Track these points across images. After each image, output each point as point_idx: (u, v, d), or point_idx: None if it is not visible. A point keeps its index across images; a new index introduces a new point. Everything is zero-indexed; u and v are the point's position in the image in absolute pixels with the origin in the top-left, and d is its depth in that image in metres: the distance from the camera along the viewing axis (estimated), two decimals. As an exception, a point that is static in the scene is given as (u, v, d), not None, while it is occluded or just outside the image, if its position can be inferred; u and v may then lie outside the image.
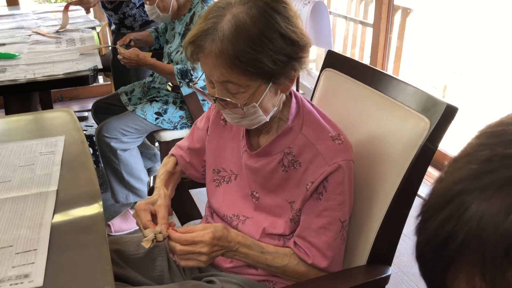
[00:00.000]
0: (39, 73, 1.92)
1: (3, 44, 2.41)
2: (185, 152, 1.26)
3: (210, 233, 0.95)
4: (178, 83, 2.10)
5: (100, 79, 4.33)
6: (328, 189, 1.03)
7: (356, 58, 4.08)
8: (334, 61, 1.31)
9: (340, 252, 1.08)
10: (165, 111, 2.22)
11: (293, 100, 1.08)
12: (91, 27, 2.76)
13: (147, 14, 2.27)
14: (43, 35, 2.59)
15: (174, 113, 2.23)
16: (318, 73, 1.35)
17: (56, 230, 0.96)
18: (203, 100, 2.22)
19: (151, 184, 1.32)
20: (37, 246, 0.92)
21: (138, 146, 2.32)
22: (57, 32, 2.64)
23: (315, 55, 4.36)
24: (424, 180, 1.04)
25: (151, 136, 2.41)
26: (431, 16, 3.55)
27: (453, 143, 2.51)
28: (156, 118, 2.20)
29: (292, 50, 0.94)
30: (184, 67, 2.08)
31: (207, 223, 1.00)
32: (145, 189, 2.27)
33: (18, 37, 2.56)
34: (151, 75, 2.45)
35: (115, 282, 1.04)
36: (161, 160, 2.11)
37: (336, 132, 1.06)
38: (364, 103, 1.18)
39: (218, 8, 0.95)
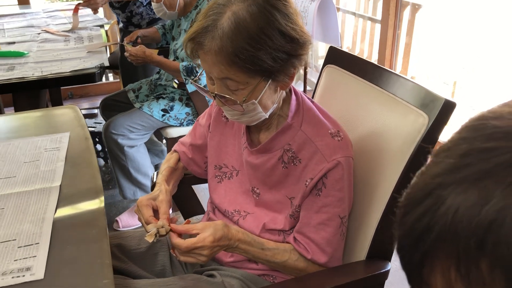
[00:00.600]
0: (47, 71, 1.95)
1: (13, 43, 2.44)
2: (188, 148, 1.28)
3: (211, 236, 0.96)
4: (184, 80, 2.11)
5: (110, 76, 4.36)
6: (327, 185, 1.03)
7: (365, 54, 4.06)
8: (335, 57, 1.31)
9: (340, 248, 1.09)
10: (172, 108, 2.24)
11: (293, 97, 1.08)
12: (99, 25, 2.78)
13: (154, 12, 2.28)
14: (52, 33, 2.62)
15: (180, 110, 2.25)
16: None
17: (58, 225, 0.98)
18: (208, 97, 2.23)
19: (154, 180, 1.34)
20: (39, 240, 0.94)
21: (145, 143, 2.35)
22: (68, 31, 2.67)
23: (324, 52, 4.35)
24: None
25: (159, 133, 2.44)
26: (441, 12, 3.52)
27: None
28: (163, 115, 2.21)
29: (291, 48, 0.95)
30: (190, 64, 2.09)
31: (207, 221, 1.01)
32: (151, 185, 2.29)
33: (28, 35, 2.59)
34: (158, 72, 2.47)
35: (117, 276, 1.07)
36: (168, 156, 2.13)
37: (336, 129, 1.06)
38: (365, 99, 1.18)
39: (218, 5, 0.95)
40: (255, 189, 1.14)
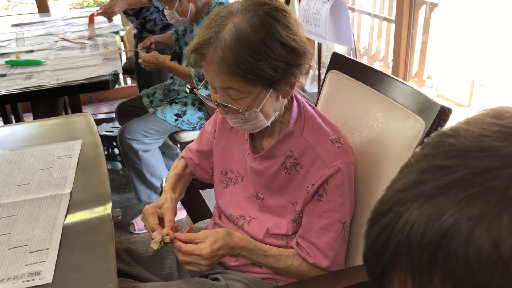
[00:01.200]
0: (62, 78, 2.01)
1: (32, 51, 2.52)
2: (194, 154, 1.31)
3: (208, 247, 0.98)
4: (196, 85, 2.15)
5: (128, 81, 4.45)
6: (328, 191, 1.05)
7: (381, 54, 4.04)
8: (338, 63, 1.32)
9: (342, 252, 1.10)
10: (184, 113, 2.28)
11: (295, 104, 1.10)
12: (114, 32, 2.84)
13: (167, 18, 2.32)
14: (69, 41, 2.69)
15: (193, 114, 2.29)
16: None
17: (67, 231, 1.03)
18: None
19: (163, 184, 1.37)
20: (49, 246, 0.98)
21: (160, 147, 2.39)
22: (85, 38, 2.73)
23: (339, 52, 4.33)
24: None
25: (174, 137, 2.48)
26: (458, 10, 3.48)
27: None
28: (176, 120, 2.26)
29: (292, 58, 0.96)
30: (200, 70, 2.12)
31: (209, 230, 1.04)
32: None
33: (46, 43, 2.67)
34: (172, 78, 2.52)
35: (125, 279, 1.10)
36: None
37: (337, 135, 1.08)
38: (366, 104, 1.19)
39: (220, 17, 0.98)
40: (259, 194, 1.16)
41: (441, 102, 0.96)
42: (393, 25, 3.59)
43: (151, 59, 2.20)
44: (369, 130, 1.15)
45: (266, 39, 0.93)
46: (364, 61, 4.27)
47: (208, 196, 1.52)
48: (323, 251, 1.07)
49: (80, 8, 6.81)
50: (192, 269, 1.02)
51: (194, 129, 2.30)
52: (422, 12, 3.33)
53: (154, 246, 1.01)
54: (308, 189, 1.06)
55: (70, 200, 1.13)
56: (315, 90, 3.73)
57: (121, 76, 4.16)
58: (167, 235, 1.02)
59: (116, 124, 3.23)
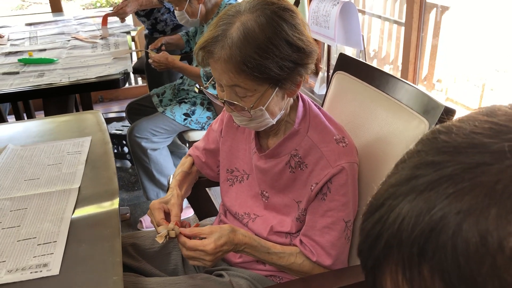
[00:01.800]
0: (74, 77, 2.04)
1: (44, 50, 2.56)
2: (201, 153, 1.33)
3: (212, 244, 1.00)
4: (204, 85, 2.17)
5: (139, 80, 4.49)
6: (332, 190, 1.06)
7: (391, 57, 4.04)
8: (345, 64, 1.33)
9: (344, 251, 1.11)
10: (193, 112, 2.30)
11: (300, 103, 1.11)
12: (125, 32, 2.88)
13: (178, 19, 2.35)
14: (81, 40, 2.73)
15: (201, 114, 2.31)
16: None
17: (75, 224, 1.05)
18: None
19: (171, 181, 1.39)
20: (56, 239, 1.00)
21: (169, 146, 2.42)
22: (97, 38, 2.77)
23: (349, 54, 4.34)
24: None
25: (182, 136, 2.50)
26: (469, 13, 3.46)
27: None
28: (185, 119, 2.28)
29: (298, 57, 0.98)
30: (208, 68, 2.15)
31: (214, 225, 1.06)
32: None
33: (58, 42, 2.71)
34: (181, 77, 2.54)
35: (130, 274, 1.12)
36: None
37: (341, 135, 1.09)
38: (372, 105, 1.20)
39: (228, 16, 0.99)
40: (264, 192, 1.17)
41: (451, 105, 0.97)
42: (403, 28, 3.59)
43: (161, 60, 2.23)
44: (374, 130, 1.16)
45: (273, 38, 0.94)
46: (374, 63, 4.26)
47: (214, 194, 1.54)
48: (326, 249, 1.08)
49: (93, 8, 6.88)
50: (196, 264, 1.03)
51: (202, 128, 2.32)
52: (432, 15, 3.32)
53: (160, 240, 1.03)
54: (312, 187, 1.07)
55: (79, 195, 1.16)
56: (324, 92, 3.74)
57: (131, 75, 4.20)
58: (172, 230, 1.04)
59: (126, 123, 3.26)
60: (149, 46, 2.43)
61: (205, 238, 1.02)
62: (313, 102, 1.15)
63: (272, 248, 1.09)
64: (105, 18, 2.80)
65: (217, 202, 1.46)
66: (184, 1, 2.15)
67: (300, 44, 0.97)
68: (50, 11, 3.91)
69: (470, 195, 0.34)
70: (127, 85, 3.45)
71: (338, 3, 2.87)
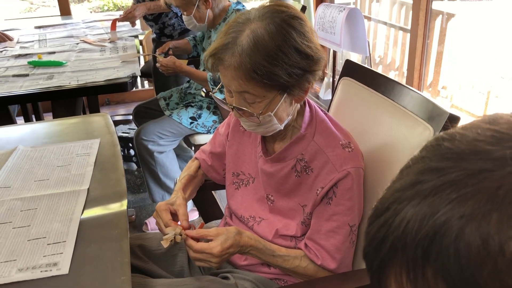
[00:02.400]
0: (82, 79, 2.07)
1: (53, 52, 2.59)
2: (207, 156, 1.34)
3: (219, 246, 1.02)
4: (211, 89, 2.19)
5: (145, 84, 4.52)
6: (337, 194, 1.07)
7: (397, 64, 4.05)
8: (351, 70, 1.35)
9: (349, 255, 1.12)
10: (200, 116, 2.32)
11: (307, 109, 1.13)
12: (133, 35, 2.90)
13: (185, 23, 2.38)
14: (89, 43, 2.76)
15: (207, 118, 2.33)
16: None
17: (84, 225, 1.06)
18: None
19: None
20: (66, 239, 1.02)
21: (175, 149, 2.44)
22: (106, 41, 2.80)
23: (354, 60, 4.35)
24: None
25: (188, 140, 2.52)
26: (475, 20, 3.48)
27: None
28: (191, 123, 2.30)
29: (306, 64, 0.99)
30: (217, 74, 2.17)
31: (221, 227, 1.07)
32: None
33: (67, 45, 2.74)
34: (188, 81, 2.56)
35: (137, 275, 1.14)
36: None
37: (347, 140, 1.10)
38: (377, 111, 1.22)
39: (238, 23, 1.01)
40: (270, 196, 1.19)
41: (455, 112, 0.98)
42: (408, 35, 3.60)
43: (169, 64, 2.25)
44: (379, 136, 1.18)
45: (282, 46, 0.96)
46: (379, 70, 4.27)
47: (220, 197, 1.56)
48: (330, 253, 1.10)
49: (101, 12, 6.94)
50: (203, 266, 1.05)
51: (208, 132, 2.34)
52: (438, 22, 3.33)
53: (165, 244, 1.04)
54: (318, 192, 1.08)
55: (87, 196, 1.17)
56: (329, 97, 3.75)
57: (138, 79, 4.23)
58: (179, 234, 1.05)
59: (133, 126, 3.28)
60: (157, 50, 2.45)
61: (211, 240, 1.04)
62: (319, 108, 1.16)
63: (277, 251, 1.11)
64: (114, 23, 2.83)
65: (222, 205, 1.48)
66: (192, 6, 2.18)
67: (308, 51, 0.99)
68: (59, 14, 3.94)
69: (472, 200, 0.35)
70: (133, 88, 3.47)
71: (344, 9, 2.89)
